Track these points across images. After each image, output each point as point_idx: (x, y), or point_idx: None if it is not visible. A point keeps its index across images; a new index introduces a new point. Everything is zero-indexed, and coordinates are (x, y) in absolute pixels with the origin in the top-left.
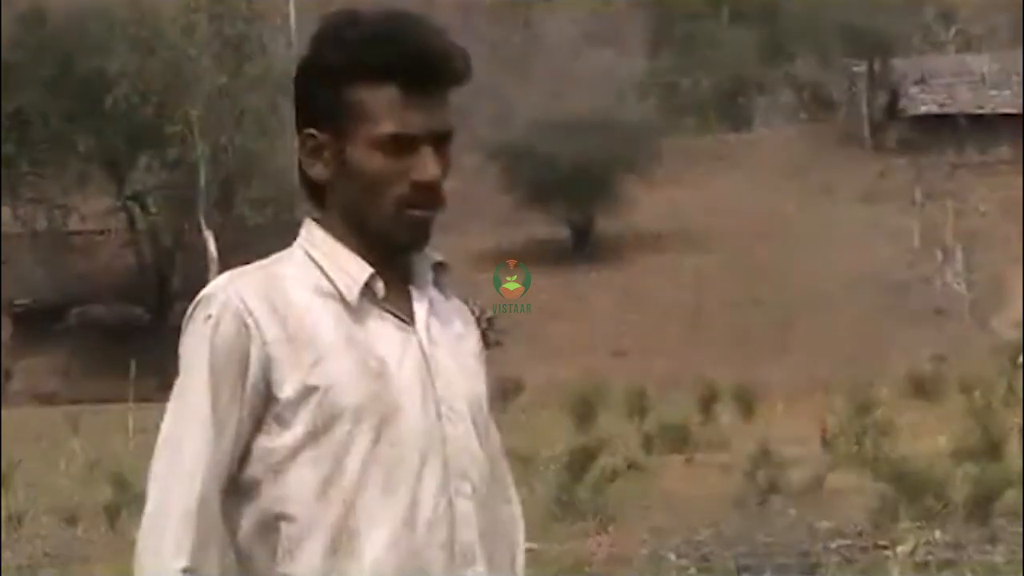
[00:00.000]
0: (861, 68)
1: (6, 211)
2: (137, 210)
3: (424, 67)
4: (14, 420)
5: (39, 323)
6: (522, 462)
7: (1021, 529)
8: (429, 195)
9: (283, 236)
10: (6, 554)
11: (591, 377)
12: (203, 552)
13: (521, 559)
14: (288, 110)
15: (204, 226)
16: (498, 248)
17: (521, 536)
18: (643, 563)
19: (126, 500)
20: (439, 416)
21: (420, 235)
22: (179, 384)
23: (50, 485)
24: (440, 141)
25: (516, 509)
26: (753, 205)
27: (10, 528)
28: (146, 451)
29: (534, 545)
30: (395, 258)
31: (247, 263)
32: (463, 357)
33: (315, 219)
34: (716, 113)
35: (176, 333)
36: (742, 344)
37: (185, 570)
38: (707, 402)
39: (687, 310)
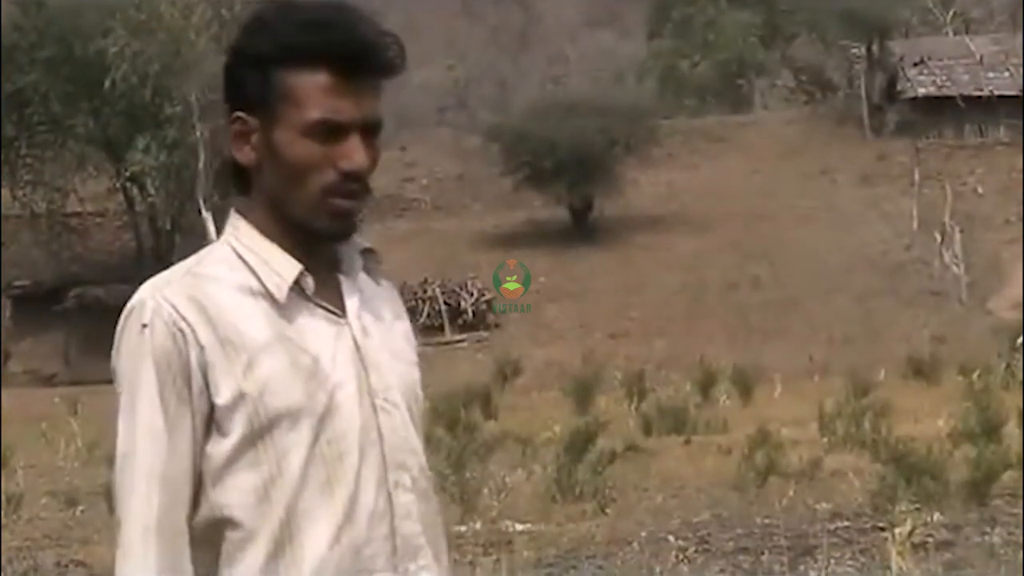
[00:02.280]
0: (860, 50)
1: (5, 193)
2: (136, 192)
3: (355, 55)
4: (13, 402)
5: (38, 305)
6: (521, 444)
7: (1020, 510)
8: (355, 185)
9: None
10: (5, 535)
11: (590, 359)
12: (172, 567)
13: (446, 551)
14: None
15: (203, 207)
16: (497, 230)
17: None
18: (642, 544)
19: None
20: (375, 409)
21: (344, 225)
22: (125, 398)
23: (49, 467)
24: (369, 131)
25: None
26: (752, 187)
27: (9, 510)
28: None
29: (533, 526)
30: (322, 248)
31: None
32: (396, 344)
33: (240, 211)
34: (715, 95)
35: None
36: (741, 326)
37: None
38: (706, 384)
39: (686, 292)
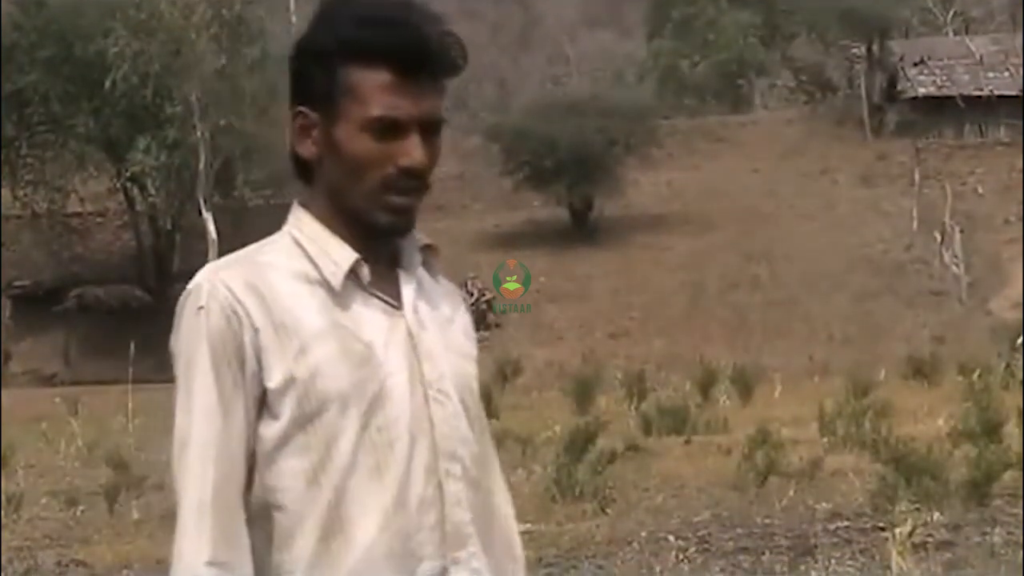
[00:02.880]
0: (860, 50)
1: (5, 193)
2: (136, 192)
3: (418, 53)
4: (13, 402)
5: (38, 305)
6: (521, 443)
7: (1020, 510)
8: (412, 181)
9: (283, 217)
10: (5, 535)
11: (590, 359)
12: (228, 543)
13: (519, 543)
14: (286, 92)
15: (204, 207)
16: (498, 230)
17: (514, 520)
18: (642, 544)
19: (125, 482)
20: (427, 399)
21: (402, 220)
22: (181, 379)
23: (49, 466)
24: (429, 129)
25: (507, 494)
26: (752, 187)
27: (9, 510)
28: (145, 433)
29: (533, 526)
30: (381, 242)
31: (246, 244)
32: (453, 338)
33: (302, 203)
34: (715, 95)
35: (175, 315)
36: (741, 326)
37: (209, 563)
38: (706, 384)
39: (686, 292)
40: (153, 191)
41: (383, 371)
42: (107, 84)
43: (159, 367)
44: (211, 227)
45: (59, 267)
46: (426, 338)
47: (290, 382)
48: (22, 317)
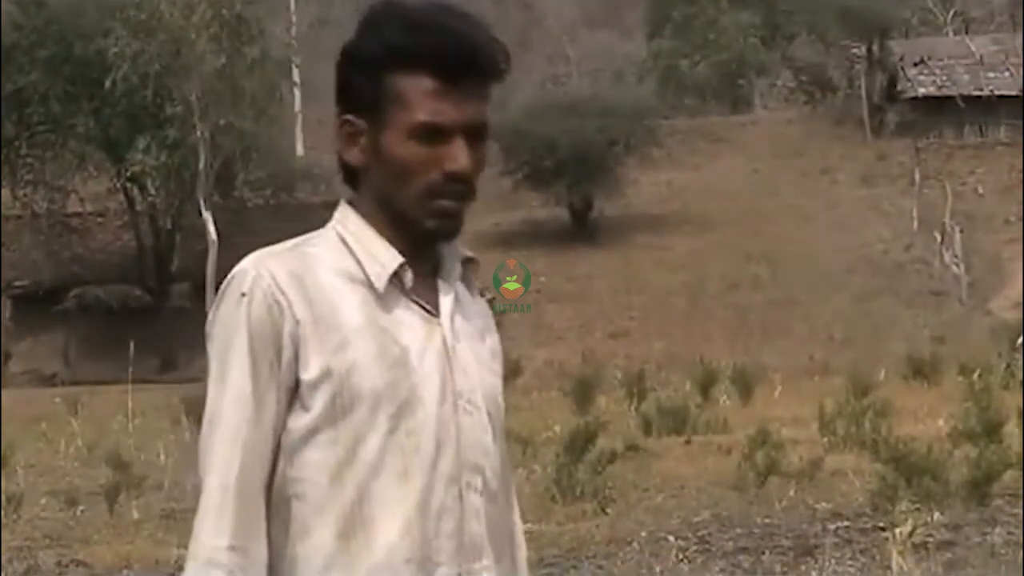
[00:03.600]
0: (860, 50)
1: (5, 193)
2: (136, 192)
3: (463, 59)
4: (13, 402)
5: (38, 305)
6: (521, 444)
7: (1020, 510)
8: (458, 186)
9: (282, 217)
10: (5, 535)
11: (590, 359)
12: (247, 528)
13: (524, 563)
14: (286, 92)
15: (204, 207)
16: (497, 229)
17: (523, 539)
18: (642, 544)
19: (125, 482)
20: (456, 408)
21: (447, 226)
22: (216, 363)
23: (49, 467)
24: (474, 135)
25: (517, 512)
26: (752, 187)
27: (9, 510)
28: (145, 432)
29: (533, 526)
30: (425, 249)
31: (246, 245)
32: (483, 353)
33: (350, 202)
34: (715, 95)
35: (175, 315)
36: (741, 326)
37: (229, 548)
38: (706, 384)
39: (686, 292)
40: (153, 191)
41: (416, 376)
42: (107, 84)
43: (159, 367)
44: (211, 227)
45: (59, 267)
46: (460, 349)
47: (326, 375)
48: (22, 317)
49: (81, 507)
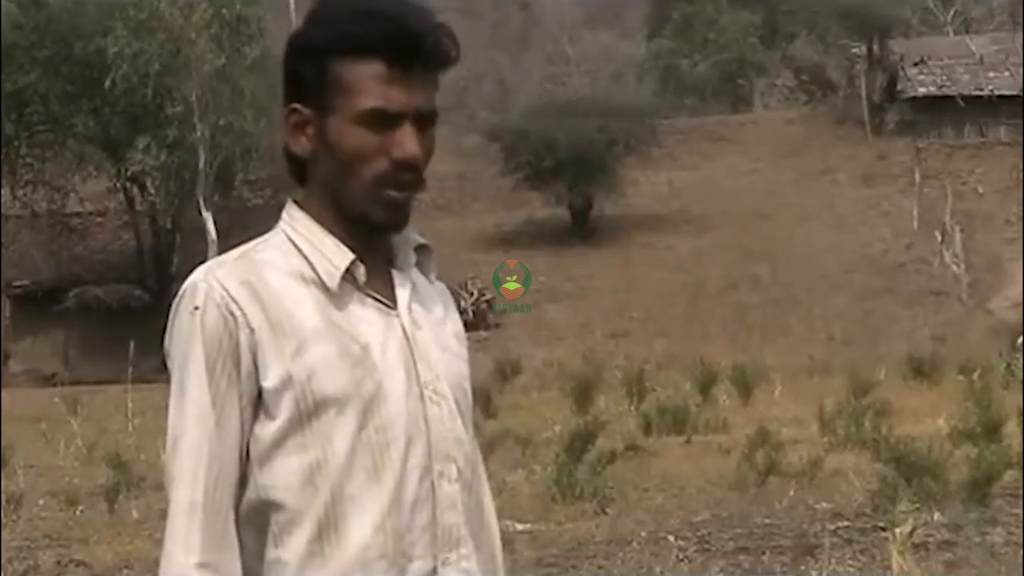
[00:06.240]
0: (860, 50)
1: (5, 193)
2: (136, 192)
3: (409, 45)
4: (13, 402)
5: (38, 304)
6: (521, 444)
7: (1020, 510)
8: (406, 175)
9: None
10: (5, 535)
11: (590, 359)
12: (217, 544)
13: (499, 549)
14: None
15: (203, 207)
16: (497, 230)
17: (495, 523)
18: (642, 544)
19: (125, 481)
20: (422, 399)
21: (395, 217)
22: (176, 380)
23: (49, 466)
24: (423, 121)
25: (489, 491)
26: (752, 187)
27: (9, 510)
28: (145, 432)
29: (533, 526)
30: (376, 241)
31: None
32: (446, 339)
33: (297, 201)
34: (715, 95)
35: None
36: (741, 326)
37: (199, 565)
38: (706, 384)
39: (686, 292)
40: (153, 191)
41: (380, 372)
42: (107, 84)
43: (159, 367)
44: (211, 227)
45: (59, 267)
46: (421, 338)
47: (287, 382)
48: (22, 317)
49: (81, 507)
